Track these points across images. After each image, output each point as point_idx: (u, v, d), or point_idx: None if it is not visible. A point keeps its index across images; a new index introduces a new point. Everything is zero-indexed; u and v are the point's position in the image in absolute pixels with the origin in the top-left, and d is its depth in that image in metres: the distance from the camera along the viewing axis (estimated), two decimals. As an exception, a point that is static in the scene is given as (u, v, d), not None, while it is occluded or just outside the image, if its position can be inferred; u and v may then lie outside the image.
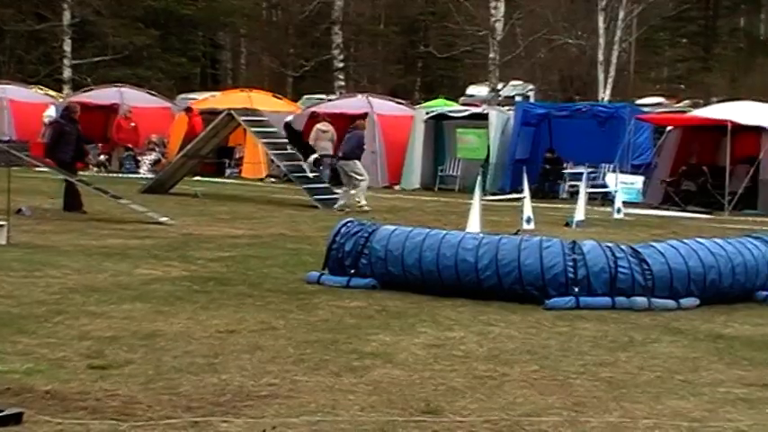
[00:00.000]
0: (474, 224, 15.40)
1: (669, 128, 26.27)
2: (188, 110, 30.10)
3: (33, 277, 11.10)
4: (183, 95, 39.42)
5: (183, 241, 14.81)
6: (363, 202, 20.85)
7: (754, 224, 20.20)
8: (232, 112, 22.49)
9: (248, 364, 7.63)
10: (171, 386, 6.99)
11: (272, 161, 25.77)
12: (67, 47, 44.52)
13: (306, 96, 41.58)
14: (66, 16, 44.27)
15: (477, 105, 34.07)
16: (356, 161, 21.22)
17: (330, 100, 34.06)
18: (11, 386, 6.79)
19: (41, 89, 36.61)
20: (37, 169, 21.86)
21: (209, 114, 27.05)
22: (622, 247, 10.78)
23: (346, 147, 21.66)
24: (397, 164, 28.62)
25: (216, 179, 27.88)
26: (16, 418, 6.00)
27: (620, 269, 10.39)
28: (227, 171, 30.14)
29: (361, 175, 21.04)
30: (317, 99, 36.64)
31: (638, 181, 24.86)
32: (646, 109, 32.01)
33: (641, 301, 10.35)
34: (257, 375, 7.33)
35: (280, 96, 35.31)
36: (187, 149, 23.17)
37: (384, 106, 30.27)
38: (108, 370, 7.32)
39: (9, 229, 13.77)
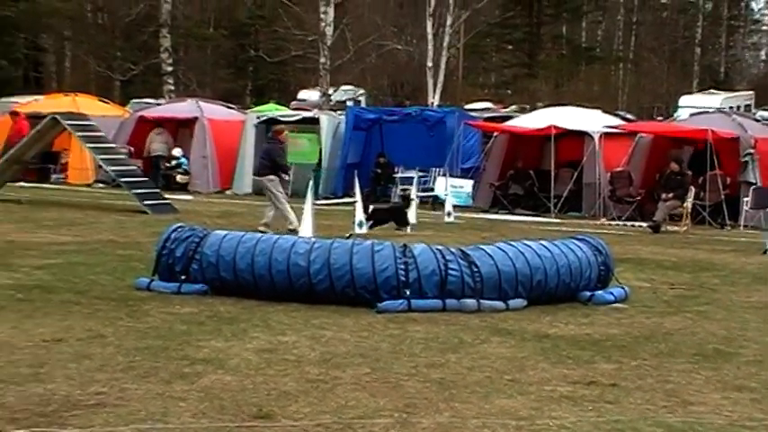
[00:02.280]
0: (306, 228, 15.42)
1: (496, 132, 26.86)
2: (14, 114, 29.15)
3: None
4: (4, 99, 38.15)
5: (5, 249, 14.32)
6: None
7: (578, 226, 20.83)
8: (57, 116, 21.89)
9: (75, 374, 7.44)
10: (-7, 398, 6.76)
11: (100, 166, 25.22)
12: None
13: (134, 100, 40.83)
14: None
15: (308, 110, 34.11)
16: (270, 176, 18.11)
17: (159, 104, 33.55)
18: None
19: None
20: None
21: (34, 119, 26.29)
22: (452, 249, 10.95)
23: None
24: (229, 168, 28.41)
25: (40, 185, 27.09)
26: None
27: (450, 272, 10.55)
28: (53, 177, 29.33)
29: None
30: (146, 103, 36.03)
31: (468, 185, 25.34)
32: (474, 114, 32.65)
33: (471, 302, 10.52)
34: (85, 384, 7.15)
35: (107, 100, 34.58)
36: (9, 154, 22.44)
37: (214, 111, 30.01)
38: (-75, 383, 7.03)
39: None
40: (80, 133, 22.19)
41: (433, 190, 24.82)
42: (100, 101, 33.19)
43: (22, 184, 24.79)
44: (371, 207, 17.95)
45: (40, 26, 53.91)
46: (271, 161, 18.25)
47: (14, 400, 6.73)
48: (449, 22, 44.61)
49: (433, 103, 41.91)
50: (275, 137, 18.84)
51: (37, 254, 13.85)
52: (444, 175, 24.17)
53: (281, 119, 29.35)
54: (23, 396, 6.81)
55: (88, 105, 29.91)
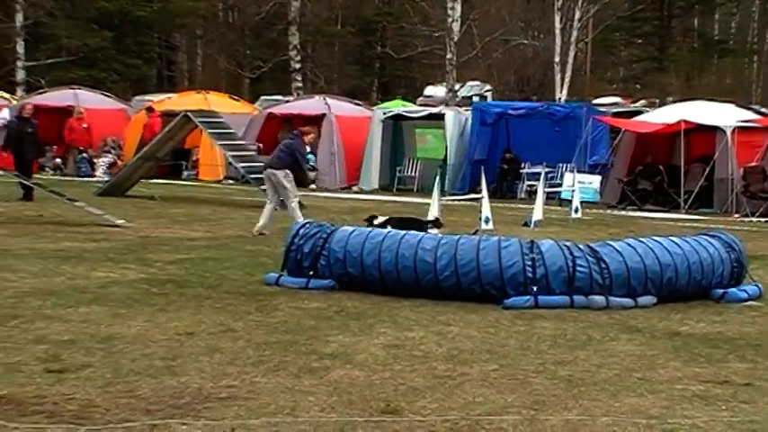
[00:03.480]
0: (433, 225, 15.39)
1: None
2: (149, 110, 29.91)
3: (-12, 281, 10.98)
4: (138, 97, 39.21)
5: (140, 244, 14.71)
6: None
7: (710, 222, 20.39)
8: (189, 113, 22.36)
9: (207, 366, 7.59)
10: (129, 389, 6.94)
11: (230, 163, 25.67)
12: (21, 48, 44.12)
13: (263, 97, 41.45)
14: (19, 18, 43.84)
15: (434, 106, 34.15)
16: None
17: (287, 101, 34.01)
18: (-34, 391, 6.72)
19: (-5, 92, 36.27)
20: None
21: (166, 116, 26.93)
22: (580, 246, 10.84)
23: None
24: (355, 164, 28.62)
25: (173, 181, 27.71)
26: (-28, 424, 5.93)
27: (578, 268, 10.45)
28: (185, 173, 29.97)
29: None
30: (275, 100, 36.55)
31: (595, 180, 25.03)
32: (602, 109, 32.22)
33: (599, 299, 10.41)
34: (216, 377, 7.29)
35: (237, 98, 35.21)
36: (144, 152, 23.03)
37: (342, 107, 30.26)
38: (65, 373, 7.26)
39: (-37, 233, 13.62)
40: (211, 130, 22.63)
41: (560, 185, 24.58)
42: (230, 98, 33.81)
43: (155, 180, 25.40)
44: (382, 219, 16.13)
45: (173, 26, 55.26)
46: (292, 159, 16.77)
47: (149, 391, 6.90)
48: (577, 16, 44.12)
49: (560, 99, 41.52)
50: (301, 136, 17.16)
51: (170, 249, 14.19)
52: (572, 170, 23.92)
53: (408, 115, 29.49)
54: (158, 388, 6.99)
55: (219, 103, 30.50)
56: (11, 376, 7.15)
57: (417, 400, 6.89)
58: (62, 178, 27.70)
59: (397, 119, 29.08)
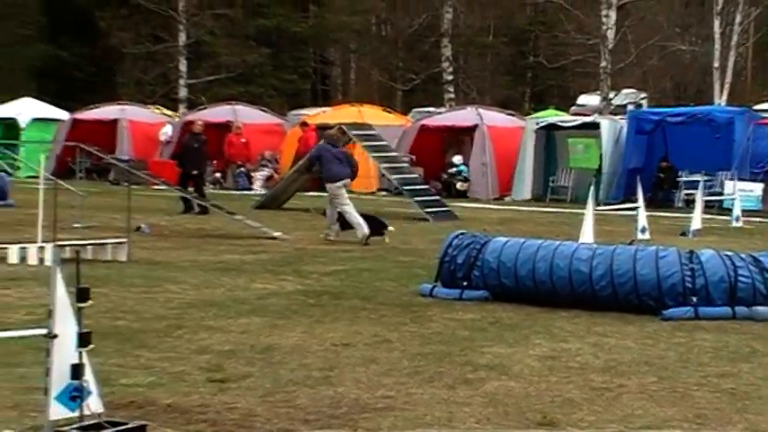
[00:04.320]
0: (587, 234, 15.24)
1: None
2: (303, 124, 30.43)
3: (153, 293, 11.34)
4: (294, 111, 39.94)
5: (296, 255, 14.97)
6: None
7: None
8: (343, 126, 22.65)
9: (363, 377, 7.67)
10: (288, 399, 7.05)
11: (383, 175, 25.87)
12: (183, 67, 45.55)
13: (415, 109, 41.70)
14: (182, 37, 45.28)
15: (588, 115, 33.76)
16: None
17: (440, 113, 34.11)
18: (135, 399, 6.93)
19: (158, 109, 37.46)
20: (155, 187, 22.36)
21: (321, 130, 27.33)
22: (742, 255, 10.56)
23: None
24: (508, 175, 28.53)
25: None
26: (140, 431, 6.12)
27: (741, 278, 10.18)
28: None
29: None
30: (427, 112, 36.72)
31: (758, 188, 24.34)
32: (765, 115, 31.31)
33: (763, 310, 10.11)
34: (373, 388, 7.36)
35: (390, 110, 35.49)
36: (299, 165, 23.42)
37: (494, 118, 30.24)
38: (227, 383, 7.43)
39: (129, 247, 14.10)
40: (365, 143, 22.90)
41: (721, 194, 23.97)
42: (383, 110, 34.11)
43: (310, 193, 25.77)
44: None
45: (328, 40, 56.10)
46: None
47: (307, 401, 7.00)
48: (737, 20, 42.96)
49: (720, 105, 40.49)
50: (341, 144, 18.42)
51: (325, 261, 14.39)
52: (732, 178, 23.31)
53: (561, 124, 29.25)
54: (315, 398, 7.08)
55: (372, 115, 30.81)
56: (176, 385, 7.36)
57: (574, 412, 6.81)
58: (221, 192, 28.41)
59: (550, 128, 28.86)
